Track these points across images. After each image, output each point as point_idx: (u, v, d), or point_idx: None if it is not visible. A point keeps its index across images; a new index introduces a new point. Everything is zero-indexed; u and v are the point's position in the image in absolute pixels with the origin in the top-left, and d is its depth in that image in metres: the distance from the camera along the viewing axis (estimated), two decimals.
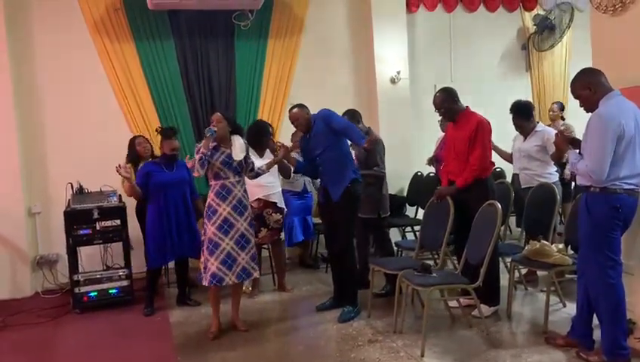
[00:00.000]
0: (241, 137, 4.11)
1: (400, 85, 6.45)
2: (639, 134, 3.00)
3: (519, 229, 4.88)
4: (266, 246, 5.11)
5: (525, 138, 4.83)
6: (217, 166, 3.88)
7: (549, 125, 5.73)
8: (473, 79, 6.86)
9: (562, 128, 5.88)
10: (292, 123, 4.42)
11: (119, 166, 4.42)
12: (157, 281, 4.82)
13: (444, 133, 5.31)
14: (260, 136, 4.79)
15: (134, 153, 5.09)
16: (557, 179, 4.77)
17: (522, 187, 4.83)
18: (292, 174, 4.85)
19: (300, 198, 5.51)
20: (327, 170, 4.30)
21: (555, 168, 4.81)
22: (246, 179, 4.22)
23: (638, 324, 3.26)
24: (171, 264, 4.92)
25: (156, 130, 4.87)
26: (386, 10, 6.41)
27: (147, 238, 4.71)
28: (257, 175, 4.23)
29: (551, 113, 6.35)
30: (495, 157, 4.30)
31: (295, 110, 4.34)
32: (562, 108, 6.39)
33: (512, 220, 5.41)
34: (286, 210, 5.02)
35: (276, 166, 4.74)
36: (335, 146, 4.23)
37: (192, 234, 4.66)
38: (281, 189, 4.99)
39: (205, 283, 3.88)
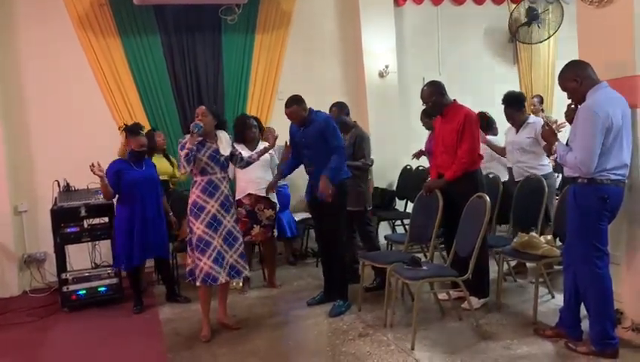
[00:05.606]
0: (226, 132, 4.05)
1: (388, 79, 6.45)
2: (626, 125, 3.02)
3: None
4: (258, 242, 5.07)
5: (517, 130, 4.79)
6: (204, 161, 3.80)
7: None
8: (461, 72, 6.87)
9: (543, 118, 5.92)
10: (288, 117, 4.33)
11: (92, 165, 4.29)
12: (139, 279, 4.75)
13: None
14: (238, 130, 4.80)
15: (153, 145, 5.06)
16: (550, 170, 4.74)
17: (516, 180, 4.74)
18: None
19: None
20: (317, 172, 4.20)
21: (548, 160, 4.79)
22: (237, 174, 4.21)
23: (625, 314, 3.29)
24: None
25: (119, 128, 4.81)
26: (373, 3, 6.40)
27: (115, 238, 4.62)
28: (248, 164, 4.21)
29: (533, 107, 6.42)
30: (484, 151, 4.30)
31: (289, 110, 4.21)
32: (542, 101, 6.49)
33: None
34: (278, 206, 5.00)
35: (268, 160, 4.74)
36: (328, 152, 4.15)
37: (163, 234, 4.64)
38: None
39: (198, 283, 3.77)
